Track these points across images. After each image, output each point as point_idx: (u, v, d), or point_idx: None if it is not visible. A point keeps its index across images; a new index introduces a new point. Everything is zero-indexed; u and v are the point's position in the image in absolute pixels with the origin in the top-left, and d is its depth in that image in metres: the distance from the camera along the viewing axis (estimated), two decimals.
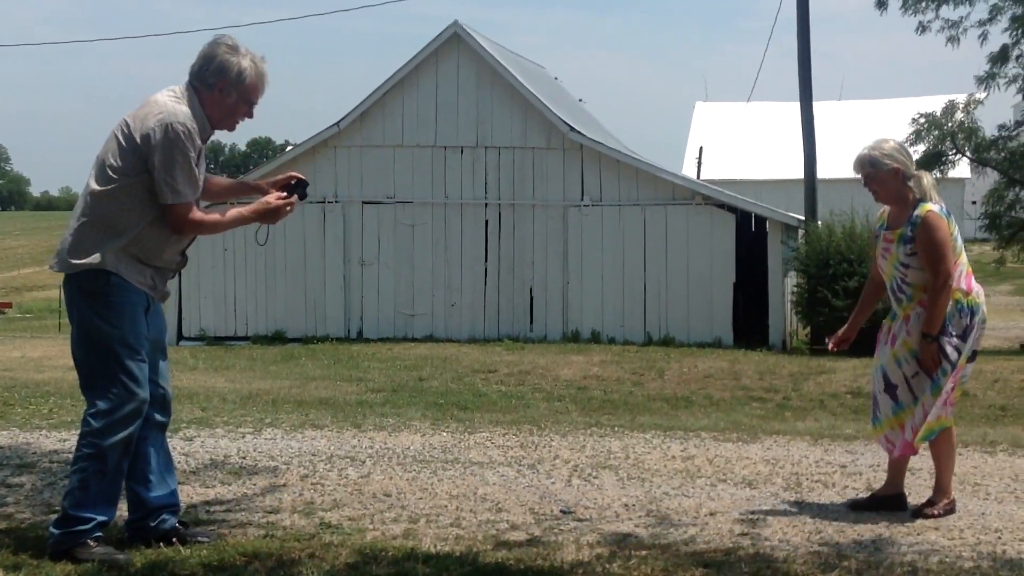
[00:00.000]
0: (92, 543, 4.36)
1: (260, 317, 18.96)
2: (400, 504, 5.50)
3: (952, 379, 5.31)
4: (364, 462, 6.64)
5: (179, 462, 6.54)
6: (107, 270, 4.43)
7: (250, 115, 4.73)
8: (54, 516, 4.63)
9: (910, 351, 5.34)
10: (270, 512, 5.30)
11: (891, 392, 5.42)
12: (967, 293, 5.33)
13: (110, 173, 4.47)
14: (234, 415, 8.96)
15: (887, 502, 5.44)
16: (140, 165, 4.43)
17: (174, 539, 4.57)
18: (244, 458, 6.73)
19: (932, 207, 5.31)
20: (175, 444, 7.18)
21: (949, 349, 5.27)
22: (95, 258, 4.43)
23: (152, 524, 4.59)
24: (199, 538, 4.66)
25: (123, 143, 4.47)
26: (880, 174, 5.36)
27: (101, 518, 4.43)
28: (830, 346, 5.88)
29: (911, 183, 5.37)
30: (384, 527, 5.03)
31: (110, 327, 4.43)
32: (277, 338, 18.61)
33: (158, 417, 4.65)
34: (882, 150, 5.38)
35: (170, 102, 4.50)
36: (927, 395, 5.30)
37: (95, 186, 4.49)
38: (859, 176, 5.48)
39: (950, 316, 5.26)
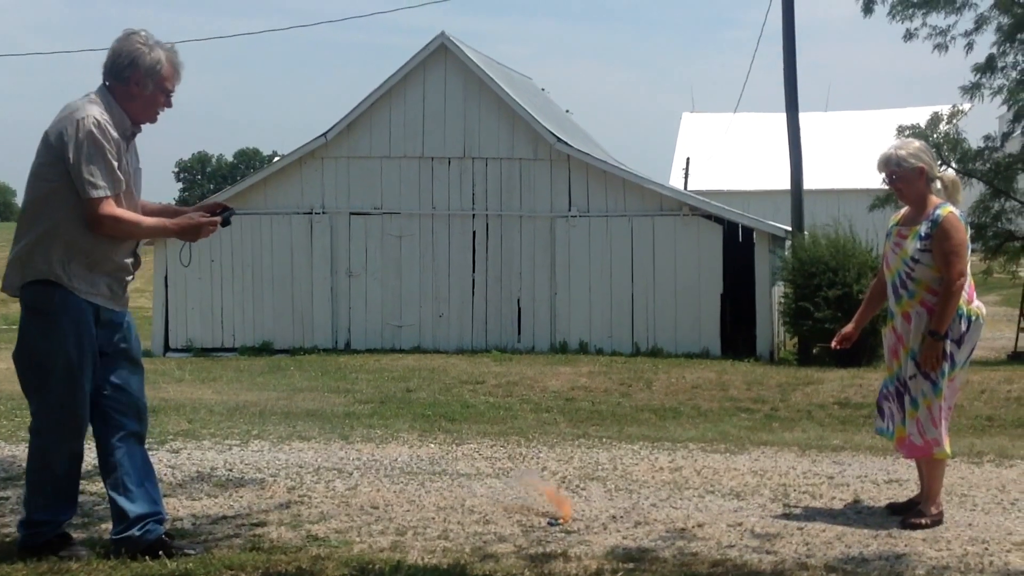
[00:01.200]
0: (56, 541, 4.57)
1: (247, 328, 18.89)
2: (387, 516, 5.49)
3: (955, 385, 5.42)
4: (351, 474, 6.62)
5: (165, 474, 6.52)
6: (52, 282, 4.48)
7: (168, 104, 4.79)
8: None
9: (909, 351, 5.40)
10: (257, 525, 5.28)
11: (902, 393, 5.47)
12: (969, 302, 5.41)
13: (36, 182, 4.56)
14: (221, 427, 8.92)
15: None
16: (62, 167, 4.48)
17: (160, 551, 4.56)
18: (231, 470, 6.71)
19: (953, 209, 5.41)
20: (161, 456, 7.16)
21: (948, 351, 5.33)
22: (41, 270, 4.49)
23: (137, 534, 4.59)
24: (186, 550, 4.66)
25: (44, 150, 4.55)
26: (906, 173, 5.45)
27: (62, 518, 4.63)
28: (833, 344, 5.97)
29: (936, 184, 5.48)
30: (371, 539, 5.01)
31: (51, 349, 4.48)
32: (264, 349, 18.55)
33: (133, 427, 4.68)
34: (908, 149, 5.49)
35: (82, 102, 4.58)
36: (930, 398, 5.35)
37: (27, 198, 4.59)
38: (883, 175, 5.56)
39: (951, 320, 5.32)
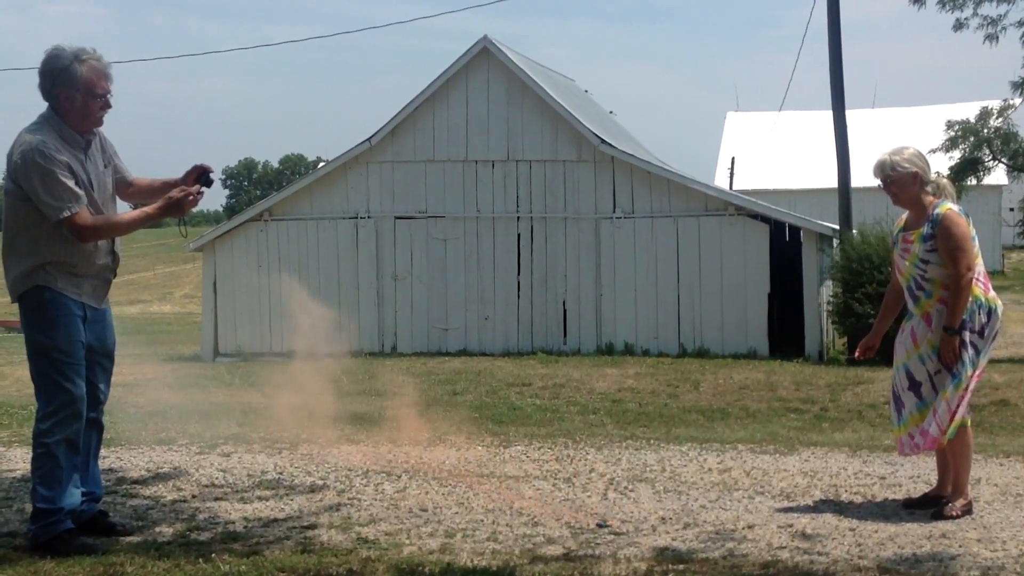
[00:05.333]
0: (67, 536, 4.79)
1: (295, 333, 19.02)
2: (436, 519, 5.51)
3: (975, 378, 5.47)
4: (400, 477, 6.65)
5: (217, 478, 6.60)
6: (41, 285, 4.84)
7: (107, 105, 4.99)
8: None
9: (932, 348, 5.49)
10: (307, 527, 5.33)
11: (915, 390, 5.57)
12: (986, 292, 5.50)
13: (8, 202, 4.89)
14: (270, 431, 9.00)
15: (938, 502, 5.55)
16: (23, 193, 4.82)
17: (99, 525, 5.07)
18: (281, 474, 6.77)
19: (951, 205, 5.55)
20: (212, 460, 7.26)
21: (968, 343, 5.42)
22: (30, 280, 4.86)
23: (76, 510, 4.96)
24: (117, 527, 5.11)
25: (7, 181, 4.90)
26: (900, 177, 5.58)
27: (67, 506, 4.86)
28: (856, 354, 6.10)
29: (929, 188, 5.61)
30: (421, 542, 5.04)
31: (47, 338, 4.85)
32: (311, 354, 18.65)
33: (88, 413, 5.02)
34: (902, 155, 5.63)
35: (26, 134, 4.86)
36: (949, 390, 5.43)
37: (4, 217, 4.92)
38: (879, 180, 5.71)
39: (970, 312, 5.42)
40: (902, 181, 5.57)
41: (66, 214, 4.75)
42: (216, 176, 5.22)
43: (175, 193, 4.98)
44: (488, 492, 6.15)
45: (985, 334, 5.46)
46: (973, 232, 5.52)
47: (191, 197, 4.96)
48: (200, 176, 5.07)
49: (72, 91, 4.85)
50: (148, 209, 5.02)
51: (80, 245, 4.87)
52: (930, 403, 5.49)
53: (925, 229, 5.50)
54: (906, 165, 5.56)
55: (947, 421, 5.43)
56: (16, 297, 4.94)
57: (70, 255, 4.87)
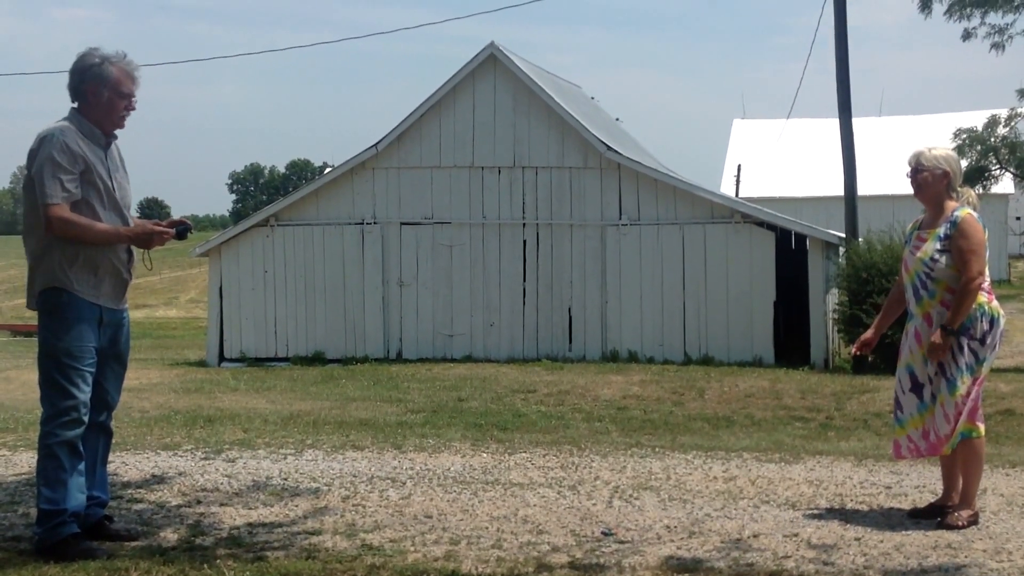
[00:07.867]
0: (72, 540, 4.81)
1: (300, 338, 19.06)
2: (441, 526, 5.51)
3: (976, 385, 5.48)
4: (405, 483, 6.65)
5: (222, 483, 6.61)
6: (58, 287, 4.89)
7: (131, 107, 5.10)
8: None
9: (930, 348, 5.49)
10: (312, 534, 5.33)
11: (917, 391, 5.60)
12: (989, 300, 5.52)
13: (27, 197, 4.94)
14: (275, 436, 9.01)
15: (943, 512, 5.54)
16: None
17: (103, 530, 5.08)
18: (286, 479, 6.77)
19: (972, 211, 5.59)
20: (217, 465, 7.26)
21: (967, 349, 5.43)
22: (48, 278, 4.91)
23: (81, 514, 4.97)
24: (122, 532, 5.14)
25: (26, 175, 4.96)
26: (930, 170, 5.62)
27: (72, 508, 4.87)
28: (853, 350, 6.18)
29: (953, 194, 5.64)
30: (425, 549, 5.03)
31: (57, 340, 4.89)
32: (317, 359, 18.70)
33: (96, 418, 5.06)
34: (940, 152, 5.70)
35: (52, 126, 4.96)
36: (945, 395, 5.45)
37: (24, 219, 4.99)
38: (909, 167, 5.72)
39: (972, 318, 5.44)
40: (931, 175, 5.60)
41: (46, 199, 4.80)
42: (192, 234, 5.34)
43: (150, 224, 5.09)
44: (493, 499, 6.15)
45: (986, 342, 5.47)
46: (986, 241, 5.54)
47: (164, 235, 5.05)
48: (178, 225, 5.18)
49: (100, 87, 4.96)
50: (121, 228, 5.06)
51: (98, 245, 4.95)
52: (929, 406, 5.52)
53: (942, 229, 5.53)
54: (941, 162, 5.61)
55: (948, 429, 5.43)
56: (34, 296, 4.97)
57: (87, 251, 4.90)
